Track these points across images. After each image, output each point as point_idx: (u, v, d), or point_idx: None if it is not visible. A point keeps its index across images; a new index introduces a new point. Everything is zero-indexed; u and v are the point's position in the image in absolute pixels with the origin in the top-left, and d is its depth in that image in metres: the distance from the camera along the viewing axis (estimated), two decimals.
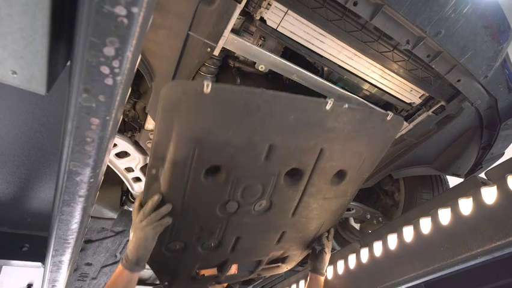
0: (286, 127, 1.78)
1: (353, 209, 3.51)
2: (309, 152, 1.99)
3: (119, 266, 1.88)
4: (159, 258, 2.22)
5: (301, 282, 3.63)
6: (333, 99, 1.74)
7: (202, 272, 2.70)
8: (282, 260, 3.05)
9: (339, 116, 1.85)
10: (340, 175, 2.29)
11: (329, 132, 1.92)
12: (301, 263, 4.57)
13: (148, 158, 1.74)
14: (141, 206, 1.88)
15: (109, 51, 0.87)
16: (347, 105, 1.82)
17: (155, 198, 1.83)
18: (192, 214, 2.02)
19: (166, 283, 2.52)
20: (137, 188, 2.92)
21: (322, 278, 2.74)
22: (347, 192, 2.50)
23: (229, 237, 2.33)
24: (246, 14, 1.86)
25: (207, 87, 1.49)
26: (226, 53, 2.13)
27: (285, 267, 3.17)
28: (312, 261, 2.80)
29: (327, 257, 2.77)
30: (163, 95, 1.50)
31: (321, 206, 2.45)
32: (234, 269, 2.80)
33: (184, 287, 2.69)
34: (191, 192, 1.88)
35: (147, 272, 4.86)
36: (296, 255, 3.03)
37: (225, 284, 2.74)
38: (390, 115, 2.01)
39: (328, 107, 1.76)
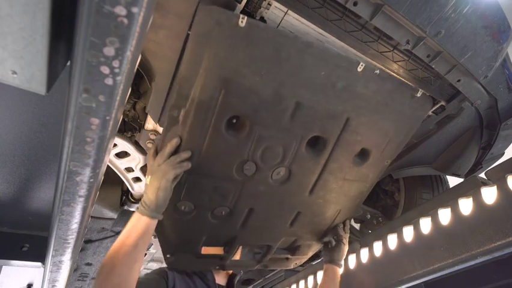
0: (315, 84, 1.78)
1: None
2: (334, 119, 1.98)
3: (135, 215, 1.79)
4: (166, 222, 2.15)
5: (302, 282, 3.63)
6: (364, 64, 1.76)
7: (207, 250, 2.56)
8: (292, 250, 2.96)
9: (369, 82, 1.87)
10: (363, 155, 2.30)
11: (357, 99, 1.93)
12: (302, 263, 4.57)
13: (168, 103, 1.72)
14: (156, 153, 1.83)
15: (109, 51, 0.87)
16: (378, 71, 1.84)
17: (175, 140, 1.78)
18: (208, 169, 1.97)
19: (168, 255, 2.42)
20: (137, 188, 2.92)
21: (339, 269, 2.66)
22: (367, 177, 2.48)
23: (241, 207, 2.27)
24: (246, 14, 1.86)
25: (242, 20, 1.49)
26: None
27: (292, 262, 3.08)
28: (328, 253, 2.74)
29: (346, 248, 2.72)
30: (196, 22, 1.50)
31: (340, 188, 2.42)
32: (239, 255, 2.70)
33: (187, 264, 2.54)
34: (210, 143, 1.84)
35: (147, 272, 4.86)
36: (307, 248, 2.96)
37: (229, 272, 2.65)
38: (420, 91, 2.03)
39: (360, 68, 1.77)
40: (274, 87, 1.73)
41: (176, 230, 2.29)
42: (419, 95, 2.03)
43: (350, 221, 2.90)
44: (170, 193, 1.81)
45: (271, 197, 2.27)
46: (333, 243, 2.76)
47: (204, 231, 2.38)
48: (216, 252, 2.59)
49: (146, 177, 1.84)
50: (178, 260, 2.46)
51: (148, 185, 1.79)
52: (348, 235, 2.78)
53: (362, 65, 1.77)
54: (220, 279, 2.40)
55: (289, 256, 2.98)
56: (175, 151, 1.81)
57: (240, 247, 2.66)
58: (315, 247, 2.97)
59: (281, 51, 1.62)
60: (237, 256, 2.69)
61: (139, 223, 1.75)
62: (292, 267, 3.14)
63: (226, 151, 1.91)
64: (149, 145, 2.42)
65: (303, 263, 4.32)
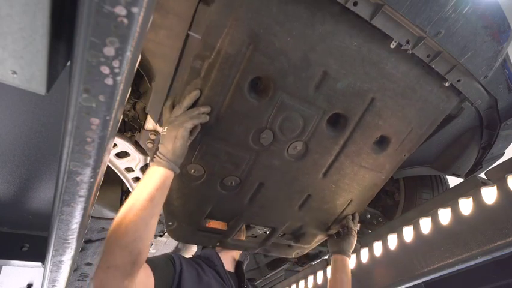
0: (345, 54, 1.75)
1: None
2: (359, 97, 1.96)
3: (150, 168, 1.68)
4: (173, 185, 2.00)
5: (302, 282, 3.63)
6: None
7: (210, 224, 2.53)
8: (296, 237, 2.93)
9: (400, 62, 1.85)
10: (382, 143, 2.28)
11: (385, 79, 1.91)
12: (301, 263, 4.58)
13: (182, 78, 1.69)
14: (173, 106, 1.78)
15: (109, 51, 0.87)
16: (411, 51, 1.81)
17: (194, 93, 1.72)
18: (224, 133, 1.93)
19: (171, 223, 2.36)
20: None
21: (348, 259, 2.64)
22: (383, 168, 2.45)
23: (252, 179, 2.23)
24: None
25: None
26: None
27: (294, 251, 3.04)
28: (336, 243, 2.73)
29: (354, 240, 2.70)
30: None
31: (354, 175, 2.40)
32: (242, 235, 2.68)
33: (188, 236, 2.51)
34: (230, 103, 1.81)
35: None
36: (311, 237, 2.92)
37: (236, 258, 2.53)
38: (448, 82, 2.01)
39: (393, 45, 1.76)
40: (304, 51, 1.70)
41: (182, 196, 2.24)
42: (447, 84, 2.02)
43: (359, 215, 2.86)
44: (187, 144, 1.74)
45: (284, 173, 2.24)
46: (341, 234, 2.76)
47: (210, 201, 2.32)
48: (219, 227, 2.56)
49: (162, 129, 1.76)
50: (180, 230, 2.42)
51: (165, 135, 1.71)
52: (357, 228, 2.76)
53: (395, 42, 1.75)
54: (228, 265, 2.33)
55: (292, 243, 2.95)
56: (194, 105, 1.76)
57: (244, 227, 2.65)
58: (320, 237, 2.94)
59: (317, 12, 1.60)
60: (241, 236, 2.67)
61: (154, 175, 1.65)
62: (293, 256, 3.10)
63: (246, 114, 1.88)
64: (149, 145, 2.41)
65: (303, 263, 4.32)
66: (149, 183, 1.61)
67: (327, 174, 2.33)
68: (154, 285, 1.71)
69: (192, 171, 2.08)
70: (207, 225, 2.51)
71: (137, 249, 1.49)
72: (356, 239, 2.70)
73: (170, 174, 1.69)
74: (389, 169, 2.48)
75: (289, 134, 2.02)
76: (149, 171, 1.67)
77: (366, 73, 1.85)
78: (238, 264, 2.42)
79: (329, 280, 2.62)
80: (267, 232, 2.93)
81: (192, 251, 4.34)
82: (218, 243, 2.56)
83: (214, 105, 1.80)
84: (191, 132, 1.74)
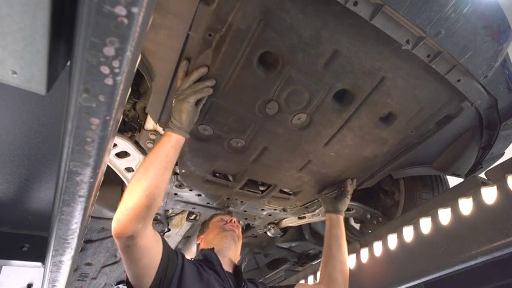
0: (359, 33, 1.74)
1: (352, 209, 3.51)
2: (369, 76, 1.95)
3: (165, 134, 1.90)
4: (186, 141, 2.13)
5: (301, 282, 3.62)
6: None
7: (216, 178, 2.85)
8: (294, 193, 3.12)
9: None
10: (388, 119, 2.28)
11: (399, 60, 1.89)
12: (301, 263, 4.58)
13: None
14: (186, 74, 1.87)
15: (109, 51, 0.87)
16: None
17: (202, 70, 1.83)
18: (232, 100, 2.01)
19: (184, 170, 2.69)
20: None
21: (342, 217, 2.81)
22: (386, 142, 2.47)
23: (257, 143, 2.35)
24: None
25: None
26: None
27: (293, 202, 3.26)
28: (330, 203, 2.89)
29: (348, 201, 2.88)
30: None
31: (356, 146, 2.44)
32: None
33: (195, 184, 2.89)
34: (239, 75, 1.86)
35: None
36: (309, 193, 3.09)
37: (235, 262, 2.56)
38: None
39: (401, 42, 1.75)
40: (316, 29, 1.69)
41: (193, 150, 2.44)
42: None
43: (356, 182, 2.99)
44: (194, 115, 1.94)
45: (287, 140, 2.33)
46: (339, 193, 2.93)
47: (217, 157, 2.52)
48: (221, 180, 2.85)
49: (173, 101, 1.91)
50: (190, 177, 2.76)
51: (174, 106, 1.89)
52: (352, 190, 2.94)
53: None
54: (226, 266, 2.37)
55: (290, 197, 3.15)
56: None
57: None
58: (316, 195, 3.10)
59: None
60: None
61: (167, 139, 1.87)
62: (292, 206, 3.36)
63: (253, 86, 1.93)
64: (149, 145, 2.42)
65: (303, 263, 4.33)
66: (164, 144, 1.85)
67: (328, 144, 2.39)
68: (161, 256, 1.89)
69: (203, 129, 2.21)
70: (212, 179, 2.80)
71: (152, 194, 1.71)
72: (349, 200, 2.90)
73: (181, 139, 1.92)
74: (393, 143, 2.51)
75: (294, 107, 2.07)
76: (164, 136, 1.89)
77: (380, 52, 1.83)
78: (237, 266, 2.49)
79: (325, 237, 2.79)
80: (266, 227, 3.15)
81: (192, 251, 4.34)
82: (227, 199, 3.07)
83: (224, 75, 1.87)
84: (197, 103, 1.92)
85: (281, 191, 3.06)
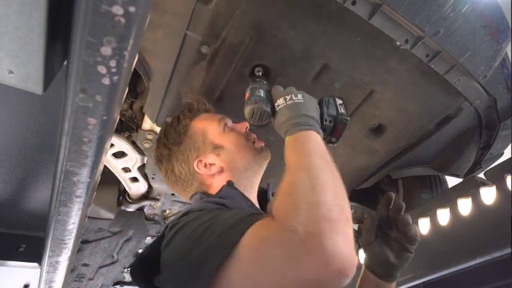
0: (349, 49, 1.78)
1: (351, 210, 3.51)
2: (358, 89, 1.99)
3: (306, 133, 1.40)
4: None
5: None
6: None
7: None
8: None
9: (404, 59, 1.84)
10: (378, 130, 2.31)
11: (388, 74, 1.91)
12: None
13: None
14: None
15: (106, 50, 0.87)
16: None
17: None
18: (224, 109, 2.01)
19: None
20: (134, 188, 2.92)
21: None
22: (377, 152, 2.48)
23: None
24: None
25: None
26: None
27: None
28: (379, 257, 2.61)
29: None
30: None
31: (347, 156, 2.44)
32: None
33: None
34: (232, 85, 1.92)
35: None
36: None
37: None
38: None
39: (399, 42, 1.75)
40: (306, 45, 1.74)
41: None
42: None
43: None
44: None
45: (279, 148, 2.26)
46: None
47: None
48: None
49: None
50: None
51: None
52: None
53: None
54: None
55: None
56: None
57: None
58: None
59: (323, 8, 1.61)
60: None
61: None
62: None
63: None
64: (147, 145, 2.42)
65: None
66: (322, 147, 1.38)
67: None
68: None
69: None
70: None
71: None
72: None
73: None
74: (384, 153, 2.52)
75: None
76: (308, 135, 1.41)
77: (369, 67, 1.88)
78: (263, 192, 1.99)
79: None
80: None
81: None
82: None
83: (218, 86, 1.92)
84: None
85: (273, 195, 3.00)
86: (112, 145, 2.41)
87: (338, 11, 1.61)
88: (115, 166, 2.63)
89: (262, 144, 1.85)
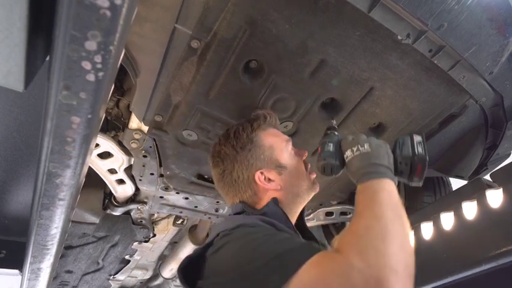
0: (346, 43, 1.78)
1: (349, 213, 3.52)
2: (357, 86, 1.99)
3: (376, 182, 1.45)
4: (171, 145, 2.27)
5: None
6: None
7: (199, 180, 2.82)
8: None
9: (406, 53, 1.85)
10: (378, 129, 2.32)
11: (388, 70, 1.92)
12: None
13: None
14: None
15: (91, 45, 0.87)
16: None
17: None
18: (217, 107, 2.06)
19: (168, 172, 2.69)
20: (121, 191, 2.92)
21: None
22: None
23: None
24: None
25: None
26: None
27: None
28: None
29: None
30: None
31: None
32: None
33: (182, 187, 2.89)
34: (224, 82, 1.90)
35: (131, 280, 4.85)
36: None
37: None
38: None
39: (400, 36, 1.75)
40: (302, 39, 1.74)
41: (177, 154, 2.49)
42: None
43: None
44: None
45: None
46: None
47: (202, 162, 2.57)
48: (207, 182, 2.84)
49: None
50: (175, 179, 2.77)
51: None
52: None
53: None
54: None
55: None
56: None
57: None
58: None
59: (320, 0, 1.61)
60: None
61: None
62: None
63: (239, 94, 1.97)
64: (134, 145, 2.42)
65: None
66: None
67: (314, 154, 2.36)
68: None
69: (187, 135, 2.25)
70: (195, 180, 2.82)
71: None
72: None
73: None
74: None
75: (280, 115, 2.09)
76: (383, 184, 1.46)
77: (368, 62, 1.88)
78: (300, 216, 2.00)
79: None
80: None
81: (179, 259, 4.30)
82: (216, 202, 3.16)
83: (209, 82, 1.90)
84: None
85: None
86: (97, 145, 2.41)
87: (336, 3, 1.61)
88: (101, 167, 2.62)
89: (314, 175, 1.91)
